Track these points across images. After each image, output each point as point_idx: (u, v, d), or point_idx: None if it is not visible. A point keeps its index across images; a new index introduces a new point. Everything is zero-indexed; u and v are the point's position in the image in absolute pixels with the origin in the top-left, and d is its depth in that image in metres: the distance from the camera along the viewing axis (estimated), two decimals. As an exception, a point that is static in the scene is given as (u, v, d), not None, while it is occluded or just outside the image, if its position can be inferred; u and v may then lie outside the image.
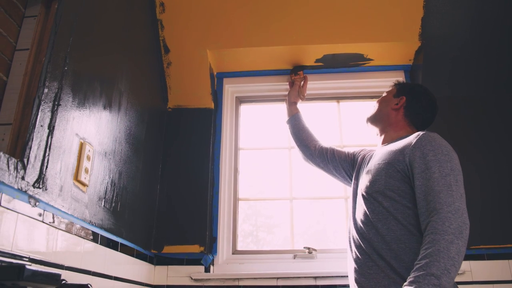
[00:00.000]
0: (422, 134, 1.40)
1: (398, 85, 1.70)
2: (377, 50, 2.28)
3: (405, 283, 1.15)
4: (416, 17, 2.13)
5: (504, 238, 1.97)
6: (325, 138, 2.37)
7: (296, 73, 2.32)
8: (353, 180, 1.62)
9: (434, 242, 1.16)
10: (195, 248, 2.07)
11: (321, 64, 2.38)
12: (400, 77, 2.38)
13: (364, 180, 1.48)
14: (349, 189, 1.67)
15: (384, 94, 1.71)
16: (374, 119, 1.68)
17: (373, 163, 1.48)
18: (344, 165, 1.79)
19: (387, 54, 2.31)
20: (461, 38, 2.16)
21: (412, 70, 2.37)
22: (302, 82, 2.29)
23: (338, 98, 2.48)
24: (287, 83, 2.37)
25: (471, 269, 1.94)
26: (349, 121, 2.43)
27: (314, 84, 2.43)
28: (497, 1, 2.08)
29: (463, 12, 2.10)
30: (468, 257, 1.95)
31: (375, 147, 1.71)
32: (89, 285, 1.10)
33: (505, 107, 2.21)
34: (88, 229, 1.41)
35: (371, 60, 2.36)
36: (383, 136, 1.63)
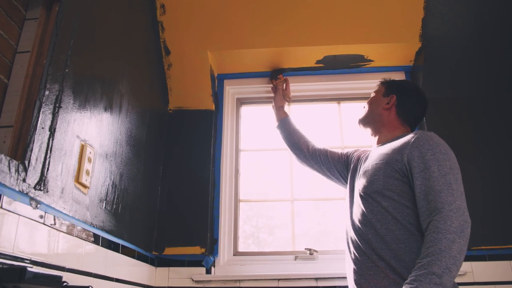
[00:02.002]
0: (420, 133, 1.40)
1: (385, 84, 1.68)
2: (378, 51, 2.28)
3: (406, 281, 1.15)
4: (417, 18, 2.13)
5: (505, 239, 1.96)
6: (326, 140, 2.36)
7: (276, 77, 2.31)
8: (348, 181, 1.61)
9: (435, 241, 1.16)
10: (196, 250, 2.07)
11: (321, 65, 2.38)
12: (401, 78, 2.37)
13: (362, 180, 1.47)
14: (349, 190, 1.66)
15: (373, 95, 1.69)
16: (366, 121, 1.66)
17: (370, 163, 1.47)
18: (337, 166, 1.77)
19: (388, 55, 2.31)
20: (461, 39, 2.16)
21: (413, 71, 2.37)
22: (285, 85, 2.28)
23: (338, 99, 2.48)
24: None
25: (473, 270, 1.94)
26: (349, 122, 2.43)
27: (315, 86, 2.43)
28: (498, 2, 2.08)
29: (463, 12, 2.10)
30: (469, 258, 1.95)
31: (371, 148, 1.70)
32: (90, 287, 1.10)
33: (506, 108, 2.20)
34: (89, 231, 1.41)
35: (372, 61, 2.36)
36: (377, 137, 1.62)
